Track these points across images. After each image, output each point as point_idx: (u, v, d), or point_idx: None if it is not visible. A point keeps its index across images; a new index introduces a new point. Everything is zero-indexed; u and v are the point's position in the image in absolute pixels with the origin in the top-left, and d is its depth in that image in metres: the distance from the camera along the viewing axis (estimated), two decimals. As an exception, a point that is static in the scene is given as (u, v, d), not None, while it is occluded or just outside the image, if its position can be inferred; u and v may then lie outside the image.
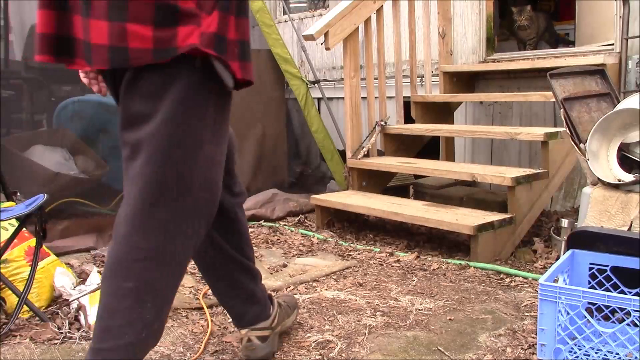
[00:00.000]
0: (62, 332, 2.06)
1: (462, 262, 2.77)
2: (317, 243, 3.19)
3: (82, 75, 1.57)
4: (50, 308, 2.28)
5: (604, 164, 2.31)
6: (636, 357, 1.66)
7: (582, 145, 2.35)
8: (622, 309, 1.68)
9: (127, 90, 1.37)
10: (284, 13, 5.00)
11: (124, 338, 1.36)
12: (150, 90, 1.34)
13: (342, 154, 3.99)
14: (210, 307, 2.28)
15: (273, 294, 2.20)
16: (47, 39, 1.36)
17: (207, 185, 1.43)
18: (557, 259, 2.28)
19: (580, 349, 1.73)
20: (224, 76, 1.36)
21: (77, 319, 2.17)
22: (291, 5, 5.93)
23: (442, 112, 4.01)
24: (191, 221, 1.42)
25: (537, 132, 3.02)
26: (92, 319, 2.11)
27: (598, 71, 2.65)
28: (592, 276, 1.90)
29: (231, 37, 1.37)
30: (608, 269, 1.87)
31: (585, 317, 1.71)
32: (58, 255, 2.56)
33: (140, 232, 1.37)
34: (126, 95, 1.37)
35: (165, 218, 1.38)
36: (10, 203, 2.45)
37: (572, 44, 4.61)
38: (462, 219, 2.87)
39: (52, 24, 1.35)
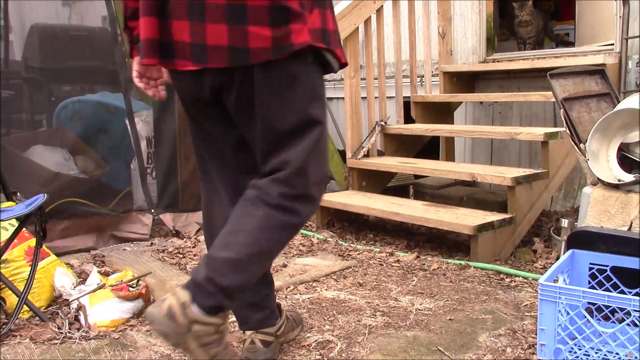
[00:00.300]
0: (62, 332, 2.06)
1: (462, 262, 2.77)
2: (317, 243, 3.19)
3: (136, 80, 1.72)
4: (50, 308, 2.28)
5: (604, 164, 2.31)
6: (636, 357, 1.66)
7: (582, 145, 2.35)
8: (622, 309, 1.68)
9: (255, 88, 1.51)
10: (284, 13, 5.00)
11: (237, 254, 1.50)
12: (276, 84, 1.51)
13: (342, 154, 3.98)
14: (210, 307, 2.28)
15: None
16: (153, 43, 1.51)
17: (327, 159, 1.67)
18: (557, 259, 2.28)
19: (580, 349, 1.73)
20: (332, 64, 1.58)
21: (77, 319, 2.17)
22: (291, 5, 5.92)
23: (442, 112, 4.01)
24: (318, 187, 1.61)
25: (537, 132, 3.02)
26: (92, 318, 2.11)
27: (598, 71, 2.65)
28: (592, 276, 1.90)
29: (330, 28, 1.58)
30: (608, 269, 1.87)
31: (585, 317, 1.71)
32: (58, 255, 2.56)
33: (277, 184, 1.55)
34: (258, 91, 1.51)
35: (302, 181, 1.56)
36: (10, 203, 2.45)
37: (571, 44, 4.61)
38: (462, 219, 2.87)
39: (155, 30, 1.50)
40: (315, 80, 1.57)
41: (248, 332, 1.82)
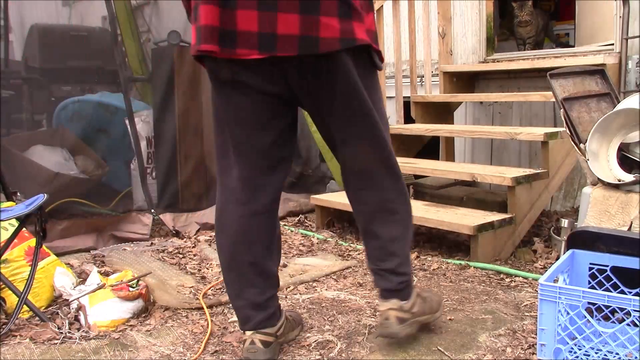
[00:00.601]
0: (62, 332, 2.06)
1: (462, 262, 2.77)
2: (317, 243, 3.19)
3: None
4: (50, 308, 2.28)
5: (604, 164, 2.31)
6: (636, 357, 1.66)
7: (582, 145, 2.35)
8: (622, 309, 1.68)
9: (335, 75, 1.64)
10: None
11: (402, 256, 1.86)
12: (344, 70, 1.63)
13: (342, 154, 3.97)
14: (210, 307, 2.28)
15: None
16: (213, 31, 1.56)
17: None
18: (557, 259, 2.28)
19: (580, 349, 1.73)
20: (378, 63, 1.74)
21: (77, 319, 2.17)
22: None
23: (442, 112, 4.01)
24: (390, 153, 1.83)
25: (537, 132, 3.02)
26: (92, 318, 2.11)
27: (598, 71, 2.65)
28: (592, 276, 1.90)
29: (374, 29, 1.71)
30: (608, 269, 1.87)
31: (585, 317, 1.71)
32: (58, 255, 2.56)
33: (391, 175, 1.84)
34: (340, 78, 1.64)
35: (380, 155, 1.80)
36: (10, 203, 2.45)
37: (568, 46, 4.61)
38: (462, 219, 2.87)
39: (217, 18, 1.56)
40: (373, 70, 1.74)
41: (248, 333, 1.82)
